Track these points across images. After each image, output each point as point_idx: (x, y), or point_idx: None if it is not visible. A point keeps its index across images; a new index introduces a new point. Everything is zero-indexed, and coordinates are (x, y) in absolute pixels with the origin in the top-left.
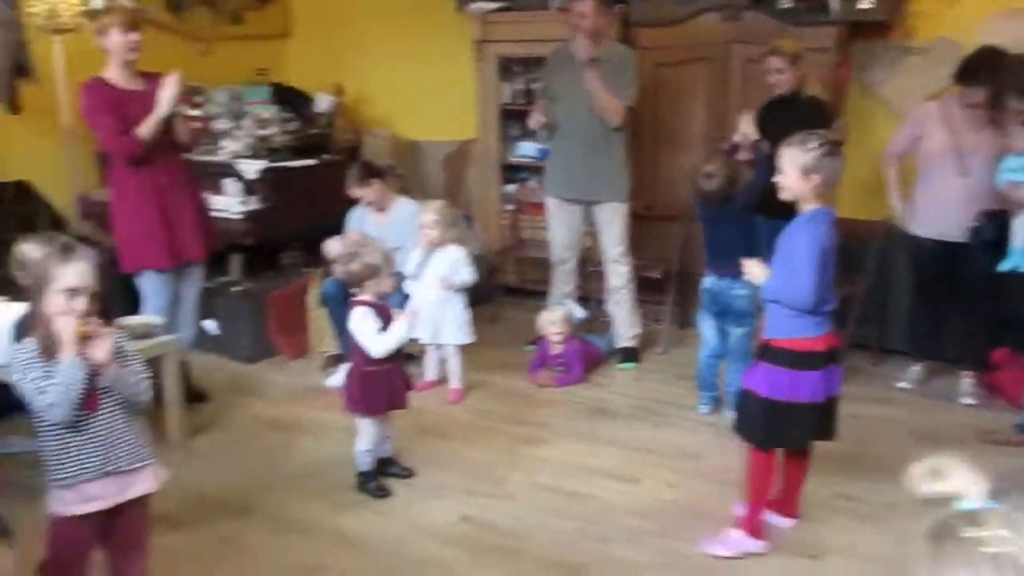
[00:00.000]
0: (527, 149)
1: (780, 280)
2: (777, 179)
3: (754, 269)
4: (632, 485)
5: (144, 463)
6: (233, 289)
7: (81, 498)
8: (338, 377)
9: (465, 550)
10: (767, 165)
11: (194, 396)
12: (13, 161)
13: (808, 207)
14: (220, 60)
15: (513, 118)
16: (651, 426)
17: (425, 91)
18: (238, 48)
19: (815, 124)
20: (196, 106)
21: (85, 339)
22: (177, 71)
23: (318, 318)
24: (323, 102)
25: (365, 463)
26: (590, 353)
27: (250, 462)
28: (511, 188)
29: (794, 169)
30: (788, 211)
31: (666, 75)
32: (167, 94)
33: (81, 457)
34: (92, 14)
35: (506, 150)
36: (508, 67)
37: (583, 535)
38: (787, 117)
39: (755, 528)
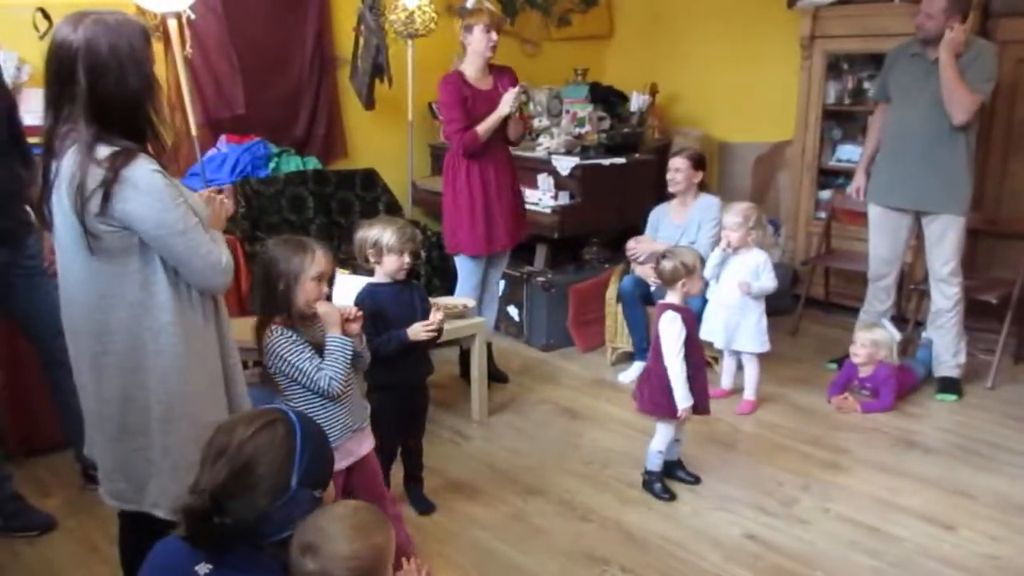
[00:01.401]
0: (848, 153)
1: None
2: None
3: None
4: (945, 531)
5: (367, 421)
6: (538, 279)
7: (340, 456)
8: (629, 374)
9: (749, 569)
10: None
11: (495, 376)
12: (365, 151)
13: None
14: (545, 60)
15: (835, 119)
16: (971, 468)
17: (740, 90)
18: (562, 49)
19: None
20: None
21: (344, 320)
22: (520, 85)
23: (614, 314)
24: (637, 101)
25: (656, 463)
26: (904, 379)
27: (541, 444)
28: (825, 194)
29: None
30: None
31: None
32: (509, 99)
33: (340, 419)
34: (463, 12)
35: (824, 153)
36: (836, 65)
37: None
38: None
39: None
